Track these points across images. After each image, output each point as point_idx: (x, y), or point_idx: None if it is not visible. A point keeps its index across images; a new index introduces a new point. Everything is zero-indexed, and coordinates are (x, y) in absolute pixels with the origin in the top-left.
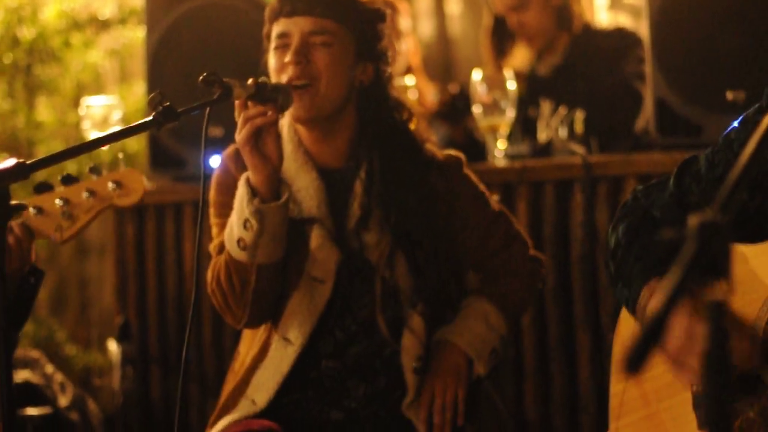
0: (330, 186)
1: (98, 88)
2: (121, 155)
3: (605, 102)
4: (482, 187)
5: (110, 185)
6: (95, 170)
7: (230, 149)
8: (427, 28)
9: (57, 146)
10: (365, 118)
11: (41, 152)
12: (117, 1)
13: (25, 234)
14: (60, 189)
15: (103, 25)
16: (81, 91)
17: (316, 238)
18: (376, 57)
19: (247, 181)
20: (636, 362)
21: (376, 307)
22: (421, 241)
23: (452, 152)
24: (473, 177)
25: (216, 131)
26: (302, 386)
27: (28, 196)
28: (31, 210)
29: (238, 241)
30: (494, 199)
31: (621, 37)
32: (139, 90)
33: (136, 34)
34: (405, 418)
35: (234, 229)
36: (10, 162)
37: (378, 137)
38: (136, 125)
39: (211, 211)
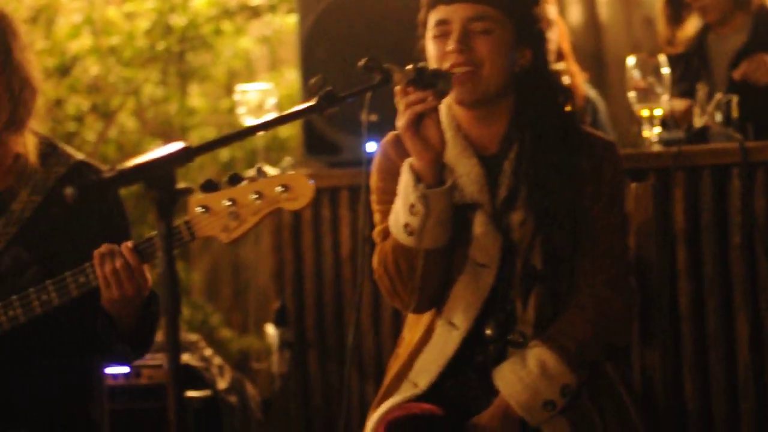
0: (488, 171)
1: (249, 74)
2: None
3: None
4: (625, 183)
5: (278, 188)
6: (261, 172)
7: (390, 135)
8: (575, 14)
9: (209, 132)
10: (523, 102)
11: (194, 138)
12: None
13: (134, 257)
14: (227, 189)
15: (254, 13)
16: (232, 78)
17: (479, 223)
18: (533, 41)
19: (411, 166)
20: None
21: (515, 289)
22: (562, 224)
23: (606, 135)
24: (621, 165)
25: (371, 117)
26: (466, 370)
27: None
28: (197, 209)
29: (405, 226)
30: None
31: None
32: (290, 77)
33: (287, 21)
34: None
35: (400, 214)
36: (177, 146)
37: (533, 120)
38: (298, 110)
39: (373, 197)
